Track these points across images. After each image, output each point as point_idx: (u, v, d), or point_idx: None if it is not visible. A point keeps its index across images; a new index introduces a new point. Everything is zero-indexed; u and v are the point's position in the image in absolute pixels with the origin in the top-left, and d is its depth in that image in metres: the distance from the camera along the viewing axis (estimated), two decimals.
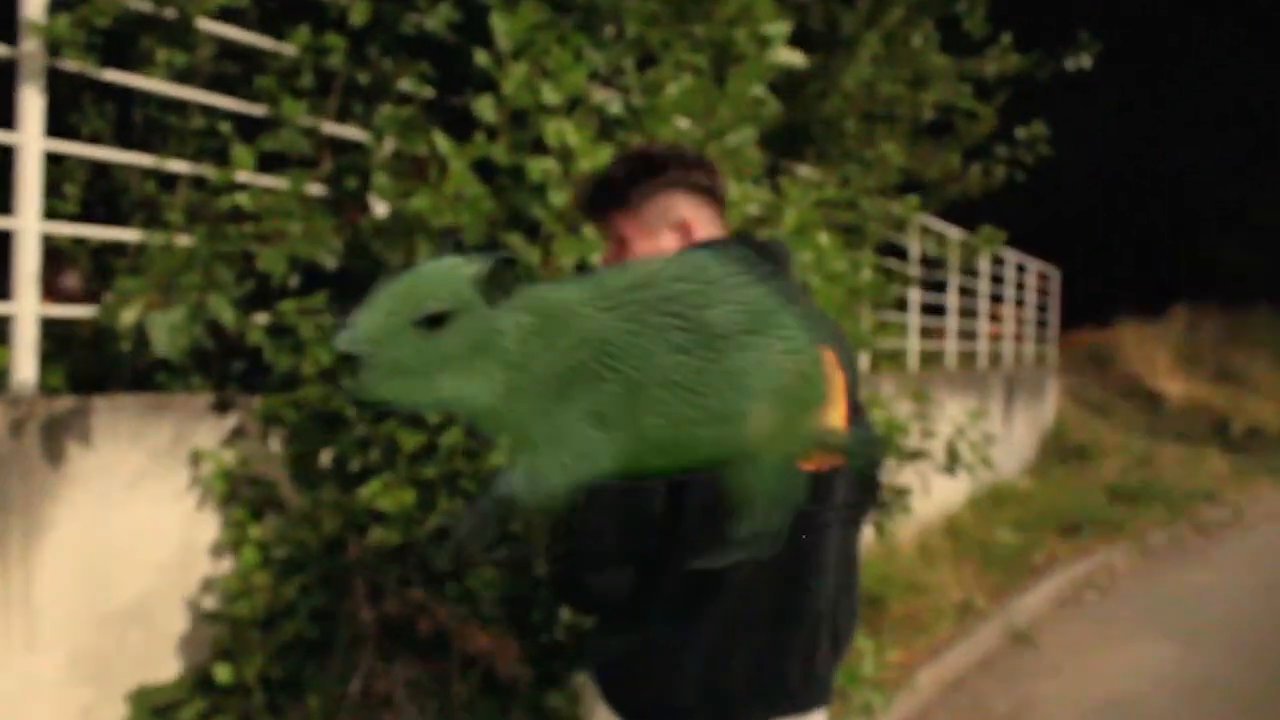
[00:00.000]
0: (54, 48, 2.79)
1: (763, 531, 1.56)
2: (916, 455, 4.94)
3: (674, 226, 1.87)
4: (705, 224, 1.88)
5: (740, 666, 1.74)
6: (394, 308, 1.26)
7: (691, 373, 1.35)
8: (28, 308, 2.77)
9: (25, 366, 2.76)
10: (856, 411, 1.93)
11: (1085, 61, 7.70)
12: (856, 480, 1.91)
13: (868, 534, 4.84)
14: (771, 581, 1.71)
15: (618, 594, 1.74)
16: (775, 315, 1.43)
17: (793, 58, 4.22)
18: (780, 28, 4.15)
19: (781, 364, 1.42)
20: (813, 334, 1.47)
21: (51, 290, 3.04)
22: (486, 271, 1.29)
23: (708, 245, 1.83)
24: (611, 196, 1.90)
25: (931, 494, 5.81)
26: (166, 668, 2.91)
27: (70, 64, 2.83)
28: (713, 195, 1.90)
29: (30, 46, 2.77)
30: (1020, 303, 12.46)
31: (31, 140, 2.79)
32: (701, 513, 1.66)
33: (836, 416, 1.82)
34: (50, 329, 3.00)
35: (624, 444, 1.36)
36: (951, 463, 5.45)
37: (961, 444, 5.50)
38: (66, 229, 3.08)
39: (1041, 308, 13.73)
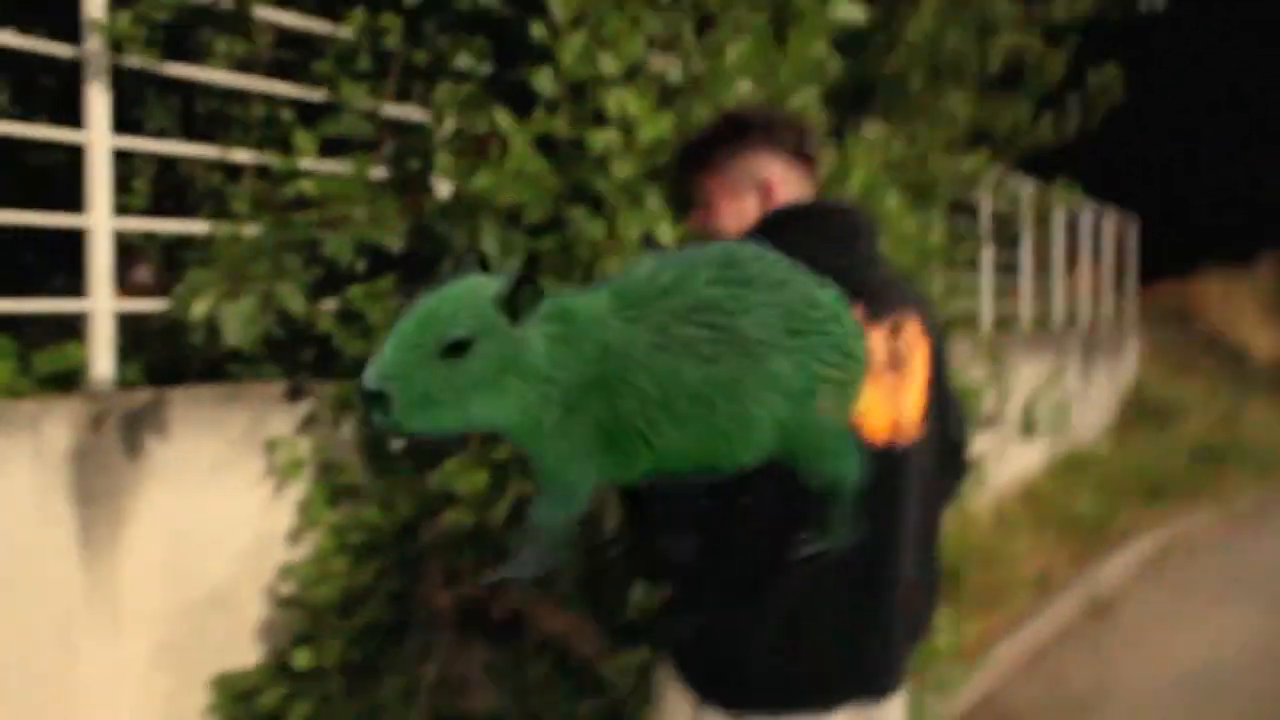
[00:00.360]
0: (116, 44, 2.81)
1: (837, 520, 1.53)
2: (992, 420, 4.85)
3: (756, 186, 1.84)
4: (791, 184, 1.85)
5: (814, 647, 1.71)
6: (416, 339, 1.25)
7: (723, 383, 1.32)
8: (103, 304, 2.80)
9: (103, 362, 2.79)
10: (941, 381, 1.88)
11: (1159, 3, 7.43)
12: (937, 456, 1.86)
13: None
14: (843, 562, 1.67)
15: (687, 558, 1.71)
16: (818, 310, 1.39)
17: (853, 13, 4.13)
18: None
19: (830, 361, 1.38)
20: (859, 326, 1.44)
21: (124, 285, 3.08)
22: (507, 291, 1.27)
23: (789, 212, 1.81)
24: (696, 158, 1.90)
25: (1008, 460, 5.70)
26: (246, 654, 2.95)
27: (133, 60, 2.85)
28: (800, 155, 1.87)
29: (93, 45, 2.78)
30: (1097, 256, 12.17)
31: (99, 138, 2.82)
32: (775, 504, 1.63)
33: (915, 390, 1.77)
34: (124, 323, 3.04)
35: (646, 457, 1.34)
36: (1028, 426, 5.34)
37: (1038, 407, 5.38)
38: (137, 224, 3.10)
39: (1119, 261, 13.39)
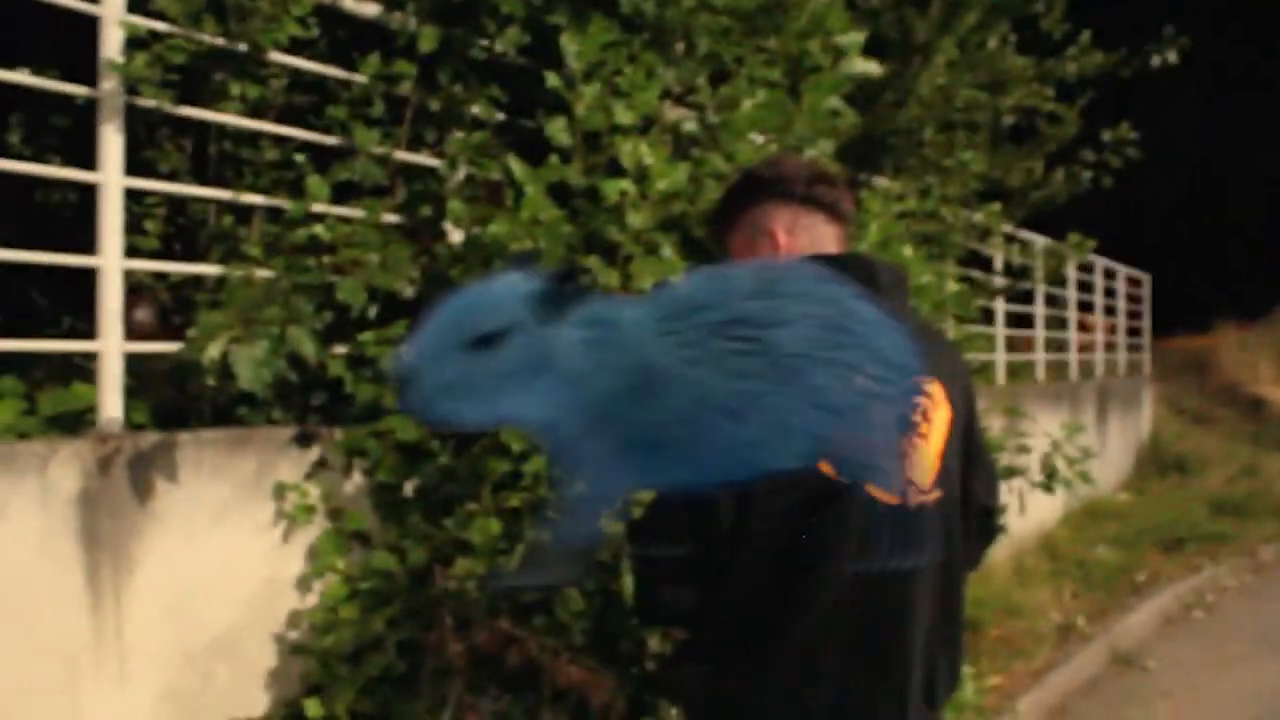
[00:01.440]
0: (131, 86, 2.82)
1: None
2: (1011, 473, 4.78)
3: (763, 235, 1.85)
4: (803, 232, 1.84)
5: (821, 709, 1.66)
6: (448, 328, 1.24)
7: (756, 397, 1.30)
8: (113, 345, 2.78)
9: (112, 404, 2.77)
10: (968, 445, 1.84)
11: (1171, 57, 7.45)
12: (963, 519, 1.82)
13: None
14: (853, 625, 1.63)
15: (687, 607, 1.69)
16: (859, 323, 1.37)
17: (868, 67, 4.14)
18: (854, 37, 4.07)
19: (873, 374, 1.35)
20: (913, 357, 1.42)
21: (127, 324, 3.06)
22: (543, 288, 1.26)
23: (811, 260, 1.78)
24: (716, 216, 2.02)
25: (1026, 512, 5.63)
26: (255, 702, 2.89)
27: (147, 101, 2.85)
28: (812, 201, 1.86)
29: (109, 86, 2.79)
30: (1111, 310, 12.14)
31: (113, 179, 2.81)
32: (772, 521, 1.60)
33: (932, 451, 1.72)
34: (132, 365, 3.02)
35: (674, 470, 1.33)
36: (1048, 479, 5.28)
37: (1058, 459, 5.32)
38: (148, 265, 3.10)
39: (1133, 315, 13.35)
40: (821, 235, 1.85)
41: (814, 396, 1.33)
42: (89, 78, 2.81)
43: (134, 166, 2.99)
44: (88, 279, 2.80)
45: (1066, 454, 5.38)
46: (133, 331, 3.18)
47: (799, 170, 1.90)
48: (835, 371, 1.34)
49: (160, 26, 2.91)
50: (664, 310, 1.34)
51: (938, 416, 1.75)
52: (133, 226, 3.34)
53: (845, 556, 1.60)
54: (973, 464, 1.86)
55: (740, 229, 1.90)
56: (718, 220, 2.01)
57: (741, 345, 1.31)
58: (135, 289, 3.54)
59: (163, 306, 3.58)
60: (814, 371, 1.33)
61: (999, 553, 6.09)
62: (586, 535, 1.38)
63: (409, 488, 3.10)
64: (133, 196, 3.34)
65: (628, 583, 2.95)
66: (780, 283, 1.36)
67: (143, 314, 3.56)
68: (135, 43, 2.84)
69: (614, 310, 1.34)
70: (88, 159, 2.82)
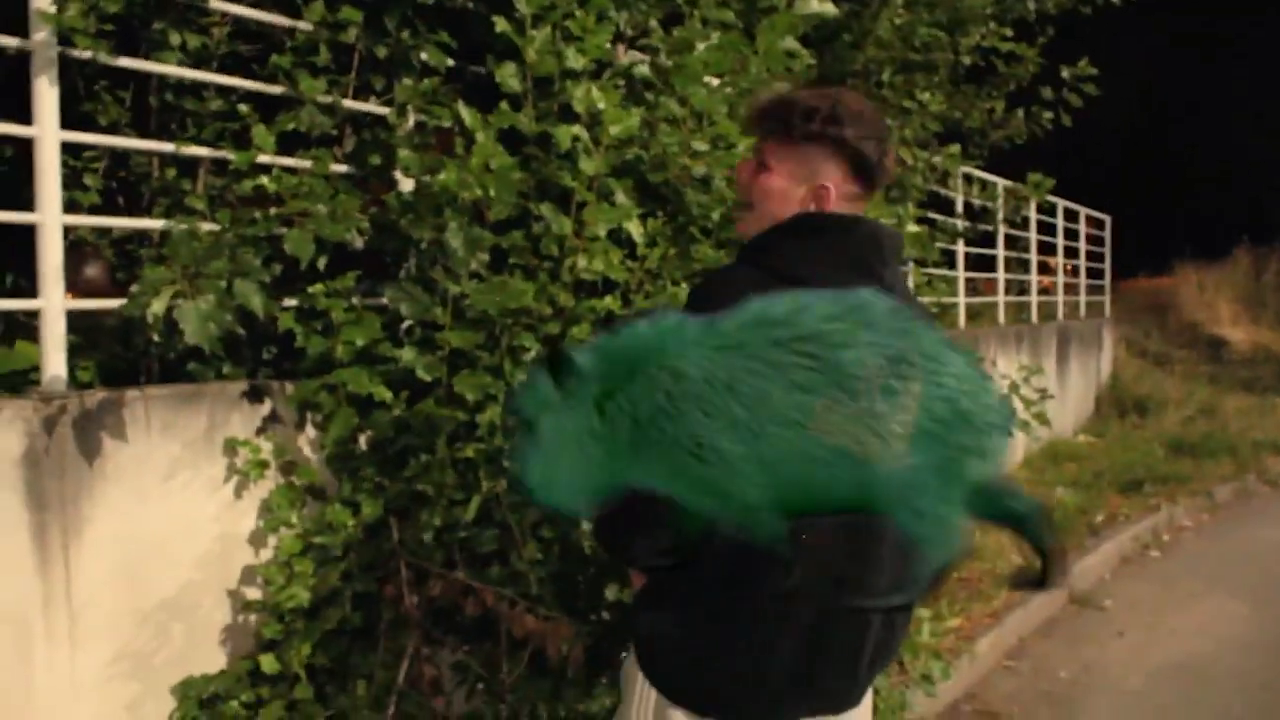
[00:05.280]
0: (65, 37, 2.74)
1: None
2: None
3: (813, 186, 1.76)
4: (843, 199, 1.77)
5: (779, 667, 1.67)
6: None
7: (812, 411, 1.33)
8: (54, 303, 2.72)
9: (56, 363, 2.72)
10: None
11: None
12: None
13: None
14: (817, 594, 1.63)
15: (658, 560, 1.69)
16: (934, 363, 1.38)
17: (824, 8, 4.08)
18: None
19: (938, 415, 1.37)
20: (989, 392, 1.46)
21: (75, 282, 3.00)
22: (545, 372, 1.40)
23: (809, 223, 1.73)
24: (780, 123, 1.80)
25: None
26: (211, 660, 2.88)
27: (82, 53, 2.77)
28: (869, 172, 1.78)
29: (41, 37, 2.71)
30: (1072, 252, 12.20)
31: (49, 133, 2.74)
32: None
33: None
34: (77, 322, 2.96)
35: (749, 478, 1.37)
36: None
37: (1015, 401, 5.35)
38: (89, 221, 3.03)
39: (1094, 257, 13.43)
40: (857, 209, 1.80)
41: (868, 422, 1.35)
42: (20, 29, 2.72)
43: (72, 120, 2.92)
44: (29, 236, 2.73)
45: (1024, 396, 5.40)
46: (83, 288, 3.12)
47: (877, 135, 1.78)
48: (896, 402, 1.36)
49: None
50: (723, 329, 1.39)
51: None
52: (72, 182, 3.26)
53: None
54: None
55: (794, 154, 1.78)
56: (774, 125, 1.81)
57: (806, 360, 1.34)
58: (84, 247, 3.47)
59: (113, 271, 3.52)
60: (872, 397, 1.35)
61: None
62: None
63: (362, 441, 3.07)
64: (71, 151, 3.25)
65: (585, 532, 2.94)
66: (863, 312, 1.40)
67: (92, 270, 3.50)
68: None
69: (629, 341, 1.44)
70: (23, 113, 2.74)
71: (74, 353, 2.95)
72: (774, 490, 1.38)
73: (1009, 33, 7.34)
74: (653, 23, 3.72)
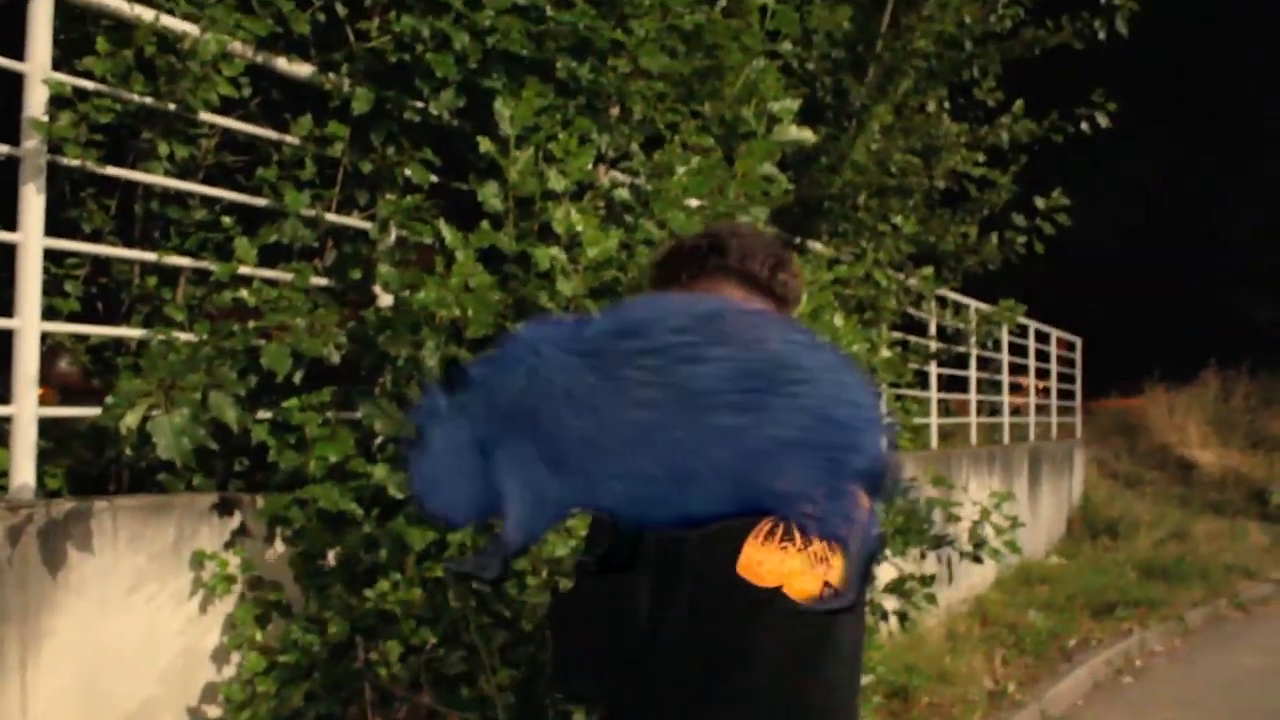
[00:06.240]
0: (55, 145, 2.76)
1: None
2: (940, 542, 4.79)
3: None
4: None
5: None
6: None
7: (654, 428, 1.30)
8: (27, 410, 2.70)
9: (25, 470, 2.69)
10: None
11: (1103, 121, 7.61)
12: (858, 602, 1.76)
13: (891, 623, 4.68)
14: (696, 661, 1.56)
15: (599, 694, 1.71)
16: (791, 373, 1.34)
17: (802, 135, 4.18)
18: (789, 104, 4.11)
19: (796, 424, 1.33)
20: (855, 393, 1.40)
21: (47, 376, 2.99)
22: (444, 377, 1.40)
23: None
24: (668, 274, 1.83)
25: (956, 578, 5.65)
26: None
27: (71, 161, 2.80)
28: (771, 293, 1.76)
29: (31, 144, 2.74)
30: (1044, 373, 12.32)
31: (32, 239, 2.75)
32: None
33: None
34: (48, 427, 2.93)
35: (587, 491, 1.35)
36: (977, 549, 5.30)
37: (986, 528, 5.34)
38: (67, 328, 3.03)
39: (1066, 378, 13.57)
40: None
41: (719, 439, 1.30)
42: (11, 135, 2.75)
43: (56, 225, 2.93)
44: (3, 339, 2.72)
45: (995, 523, 5.40)
46: (53, 382, 3.10)
47: (763, 249, 1.79)
48: (750, 418, 1.31)
49: (87, 85, 2.86)
50: (588, 335, 1.36)
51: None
52: (53, 287, 3.26)
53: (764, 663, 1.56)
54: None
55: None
56: (663, 278, 1.84)
57: (648, 376, 1.30)
58: (58, 345, 3.45)
59: (84, 366, 3.50)
60: (721, 414, 1.30)
61: (931, 618, 6.09)
62: (522, 539, 1.42)
63: (331, 557, 3.04)
64: (54, 257, 3.26)
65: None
66: (716, 322, 1.35)
67: (65, 363, 3.48)
68: (60, 101, 2.79)
69: (544, 335, 1.39)
70: (6, 218, 2.75)
71: (43, 458, 2.92)
72: (612, 502, 1.37)
73: (982, 158, 7.52)
74: (634, 146, 3.79)
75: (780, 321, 1.42)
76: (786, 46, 5.30)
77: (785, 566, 1.52)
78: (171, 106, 3.03)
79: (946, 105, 7.50)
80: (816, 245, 6.04)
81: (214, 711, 2.89)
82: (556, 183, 3.23)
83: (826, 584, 1.52)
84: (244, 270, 3.07)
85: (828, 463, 1.36)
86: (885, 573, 4.60)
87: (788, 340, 1.38)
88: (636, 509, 1.36)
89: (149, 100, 2.99)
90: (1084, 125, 7.73)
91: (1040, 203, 7.78)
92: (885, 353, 5.07)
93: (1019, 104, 7.50)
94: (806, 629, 1.55)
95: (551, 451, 1.34)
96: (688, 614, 1.58)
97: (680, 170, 3.57)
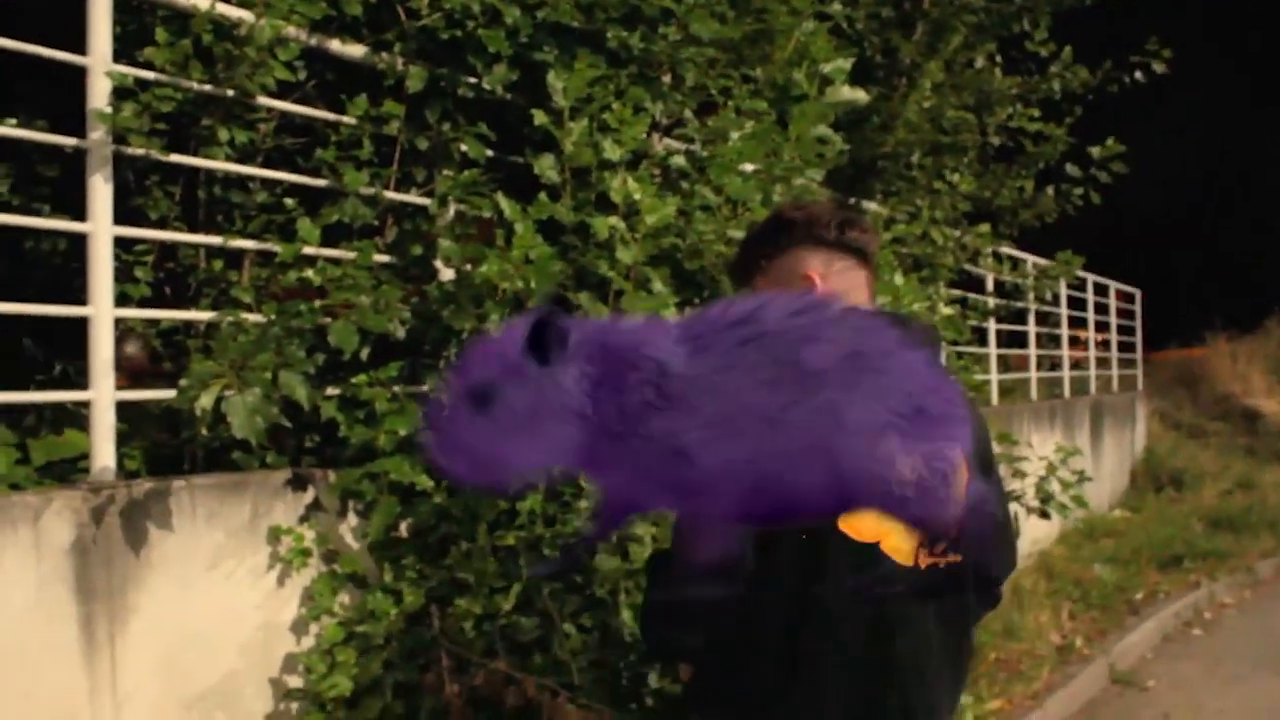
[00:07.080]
0: (119, 135, 2.82)
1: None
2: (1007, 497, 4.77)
3: (798, 280, 1.83)
4: (836, 276, 1.83)
5: None
6: (448, 393, 1.27)
7: (781, 408, 1.30)
8: (105, 394, 2.77)
9: (105, 453, 2.76)
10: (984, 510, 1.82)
11: (1159, 67, 7.47)
12: (963, 572, 1.80)
13: None
14: (856, 674, 1.64)
15: (696, 649, 1.73)
16: (889, 358, 1.36)
17: (855, 95, 4.16)
18: (840, 65, 4.10)
19: (896, 407, 1.35)
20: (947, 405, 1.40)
21: (116, 360, 3.06)
22: (532, 333, 1.27)
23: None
24: (747, 261, 1.94)
25: (1022, 532, 5.62)
26: None
27: (135, 150, 2.86)
28: (843, 245, 1.85)
29: (97, 135, 2.80)
30: (1103, 325, 12.16)
31: (102, 228, 2.81)
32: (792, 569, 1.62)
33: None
34: (124, 409, 3.01)
35: (718, 478, 1.32)
36: (1044, 504, 5.27)
37: (1053, 483, 5.31)
38: (139, 313, 3.10)
39: (1125, 330, 13.38)
40: (854, 279, 1.85)
41: (828, 414, 1.31)
42: (77, 127, 2.82)
43: (123, 214, 2.99)
44: (79, 324, 2.79)
45: (1061, 478, 5.37)
46: (122, 366, 3.18)
47: (829, 214, 1.88)
48: (857, 395, 1.33)
49: (147, 75, 2.92)
50: (693, 330, 1.35)
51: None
52: (123, 274, 3.33)
53: (860, 620, 1.62)
54: (989, 531, 1.81)
55: (772, 274, 1.87)
56: (743, 266, 1.95)
57: (769, 357, 1.31)
58: (127, 330, 3.54)
59: (153, 349, 3.58)
60: (833, 391, 1.32)
61: None
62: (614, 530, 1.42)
63: (404, 529, 3.10)
64: (122, 244, 3.34)
65: (626, 618, 2.94)
66: (817, 310, 1.37)
67: (132, 348, 3.56)
68: (122, 91, 2.84)
69: (616, 332, 1.35)
70: (77, 208, 2.82)
71: (120, 440, 2.99)
72: (744, 494, 1.35)
73: (1036, 113, 7.42)
74: (688, 113, 3.79)
75: (867, 310, 1.45)
76: (835, 7, 5.27)
77: (883, 525, 1.57)
78: (230, 92, 3.07)
79: (998, 59, 7.40)
80: (872, 205, 6.00)
81: (294, 682, 2.96)
82: (612, 152, 3.25)
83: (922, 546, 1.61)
84: (307, 250, 3.12)
85: (923, 444, 1.39)
86: None
87: (890, 328, 1.42)
88: (769, 500, 1.37)
89: (208, 87, 3.03)
90: (1138, 74, 7.59)
91: (1095, 152, 7.66)
92: (944, 310, 5.05)
93: (1068, 51, 7.38)
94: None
95: (673, 444, 1.31)
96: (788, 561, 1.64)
97: (734, 135, 3.57)
